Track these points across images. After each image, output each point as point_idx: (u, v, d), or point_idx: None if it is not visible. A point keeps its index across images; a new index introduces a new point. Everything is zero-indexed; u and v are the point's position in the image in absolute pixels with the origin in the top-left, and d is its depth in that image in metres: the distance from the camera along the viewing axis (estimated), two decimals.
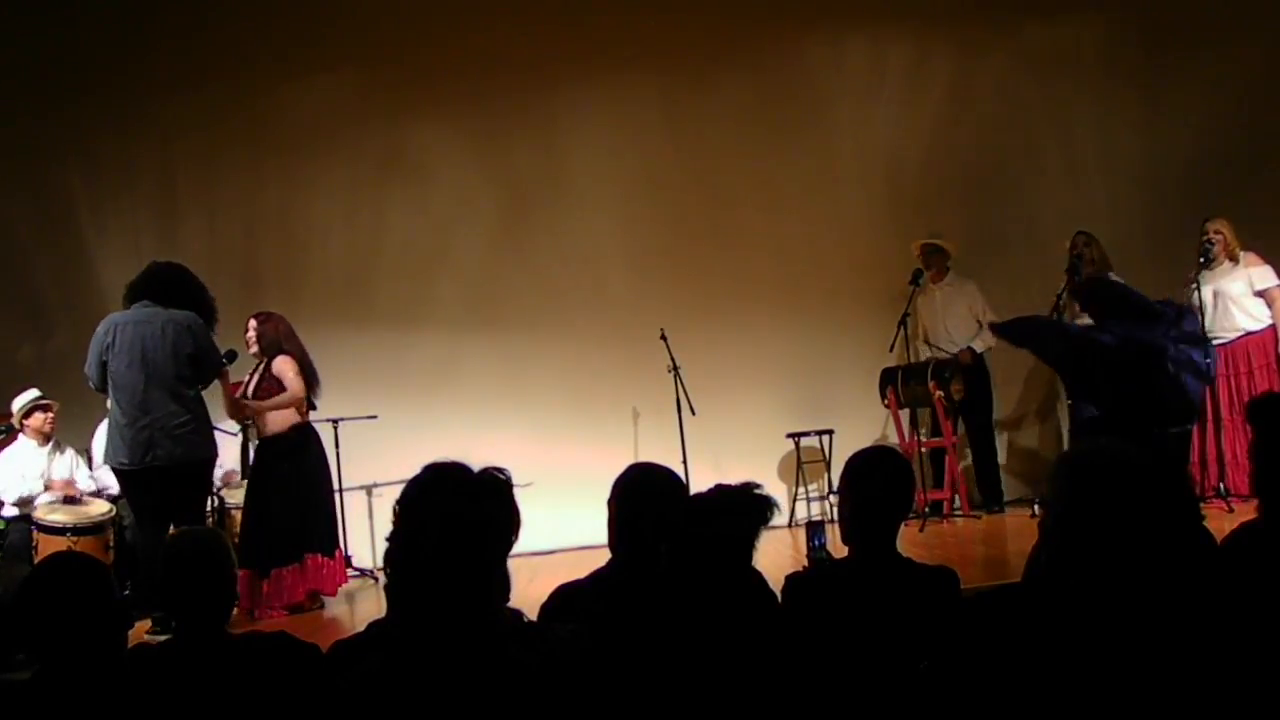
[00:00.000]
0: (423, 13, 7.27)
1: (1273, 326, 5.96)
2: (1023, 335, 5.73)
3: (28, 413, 6.13)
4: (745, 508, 2.28)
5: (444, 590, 1.66)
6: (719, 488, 2.34)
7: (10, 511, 5.96)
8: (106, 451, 4.98)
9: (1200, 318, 5.94)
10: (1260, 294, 5.97)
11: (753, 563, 2.35)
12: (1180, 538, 2.25)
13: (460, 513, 1.67)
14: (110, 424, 4.95)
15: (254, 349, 5.59)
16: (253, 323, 5.63)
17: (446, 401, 7.07)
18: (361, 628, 2.45)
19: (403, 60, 7.27)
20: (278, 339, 5.56)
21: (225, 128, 7.29)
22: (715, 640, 2.07)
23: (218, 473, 6.38)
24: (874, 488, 2.55)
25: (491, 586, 1.69)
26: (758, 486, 2.32)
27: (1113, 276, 6.03)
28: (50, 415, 6.17)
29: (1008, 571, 4.46)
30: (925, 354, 6.89)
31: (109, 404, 4.96)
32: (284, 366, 5.50)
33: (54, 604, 2.12)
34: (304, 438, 5.54)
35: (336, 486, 6.71)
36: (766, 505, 2.30)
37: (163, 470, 4.77)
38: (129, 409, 4.79)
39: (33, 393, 6.20)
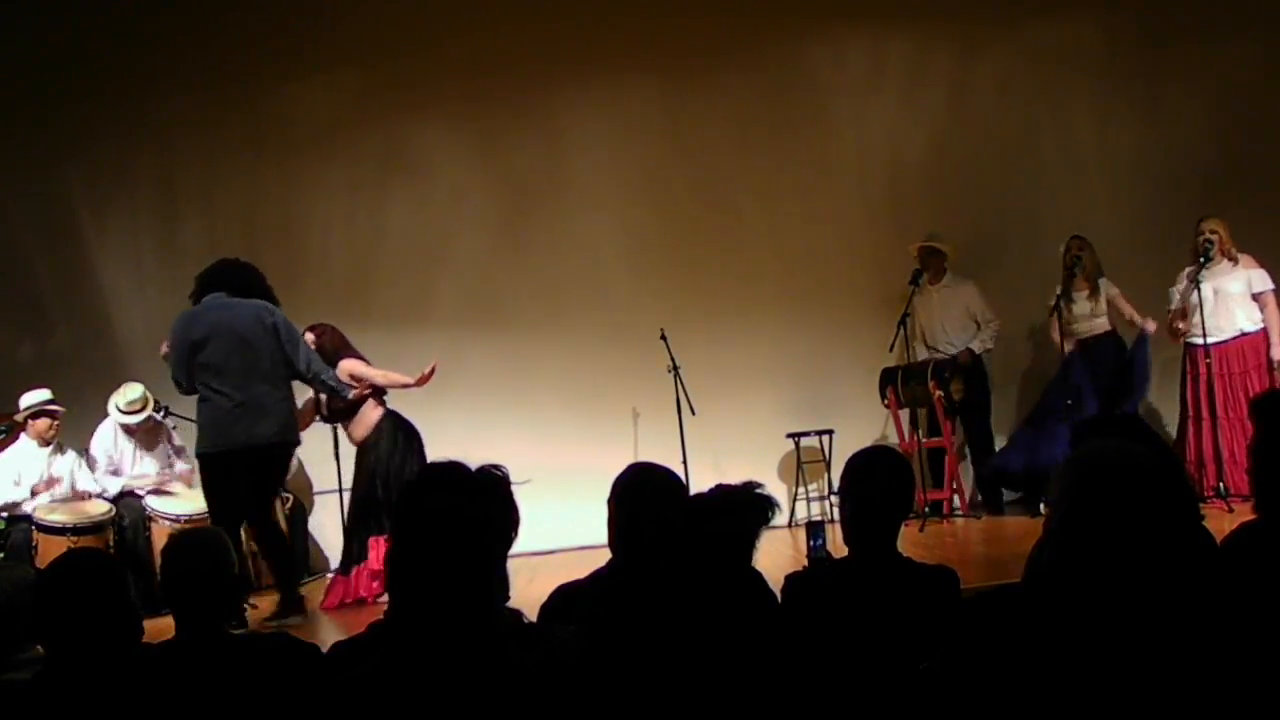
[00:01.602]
0: (423, 13, 7.27)
1: (1265, 329, 6.08)
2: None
3: (35, 414, 6.09)
4: (745, 507, 2.28)
5: (444, 590, 1.66)
6: (719, 487, 2.34)
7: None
8: (199, 439, 4.97)
9: (1201, 314, 6.00)
10: (1256, 297, 6.10)
11: (753, 562, 2.35)
12: (1181, 538, 2.25)
13: (459, 512, 1.67)
14: (206, 413, 4.93)
15: None
16: (310, 335, 5.69)
17: (446, 401, 7.05)
18: (362, 628, 2.45)
19: (402, 60, 7.26)
20: (336, 348, 5.68)
21: (224, 128, 7.29)
22: (715, 640, 2.07)
23: None
24: (874, 488, 2.54)
25: (491, 586, 1.70)
26: (759, 486, 2.32)
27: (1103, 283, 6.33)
28: (56, 423, 6.13)
29: (1008, 571, 4.45)
30: (923, 354, 6.90)
31: (203, 394, 4.94)
32: (352, 367, 5.61)
33: (70, 602, 2.13)
34: (380, 433, 5.68)
35: (337, 486, 6.73)
36: (767, 505, 2.30)
37: (260, 450, 4.88)
38: (231, 391, 4.86)
39: (44, 394, 6.15)
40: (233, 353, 4.88)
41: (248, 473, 4.90)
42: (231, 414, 4.86)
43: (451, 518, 1.66)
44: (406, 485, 1.76)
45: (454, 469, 1.73)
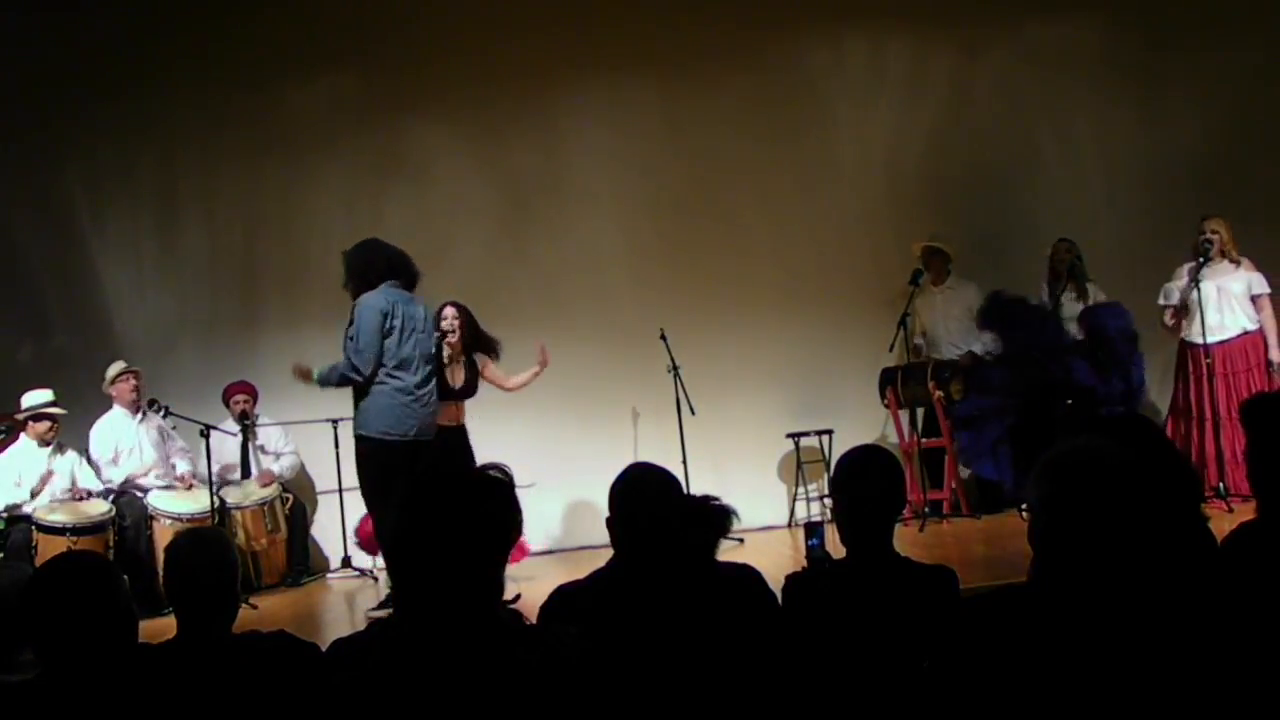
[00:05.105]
0: (423, 14, 7.27)
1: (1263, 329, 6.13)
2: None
3: (35, 416, 6.07)
4: (704, 519, 2.32)
5: (445, 590, 1.66)
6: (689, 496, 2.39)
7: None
8: (368, 422, 5.01)
9: (1201, 314, 6.00)
10: (1254, 299, 6.16)
11: (712, 569, 2.39)
12: (1177, 536, 2.25)
13: (462, 512, 1.68)
14: (382, 396, 4.99)
15: (453, 338, 5.70)
16: (452, 311, 5.75)
17: None
18: (361, 628, 2.45)
19: (403, 62, 7.26)
20: (475, 333, 5.74)
21: (225, 128, 7.28)
22: (715, 640, 2.07)
23: (215, 469, 6.39)
24: (864, 487, 2.54)
25: (493, 587, 1.70)
26: (715, 499, 2.35)
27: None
28: (55, 426, 6.11)
29: (1008, 571, 4.46)
30: (924, 351, 6.91)
31: (380, 378, 4.99)
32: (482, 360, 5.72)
33: (62, 604, 2.12)
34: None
35: (337, 486, 6.74)
36: (724, 516, 2.34)
37: (422, 444, 5.05)
38: (411, 382, 5.02)
39: (47, 395, 6.13)
40: (413, 344, 5.05)
41: (406, 464, 4.94)
42: (413, 404, 5.01)
43: (455, 519, 1.67)
44: (410, 484, 1.76)
45: (461, 469, 1.74)
